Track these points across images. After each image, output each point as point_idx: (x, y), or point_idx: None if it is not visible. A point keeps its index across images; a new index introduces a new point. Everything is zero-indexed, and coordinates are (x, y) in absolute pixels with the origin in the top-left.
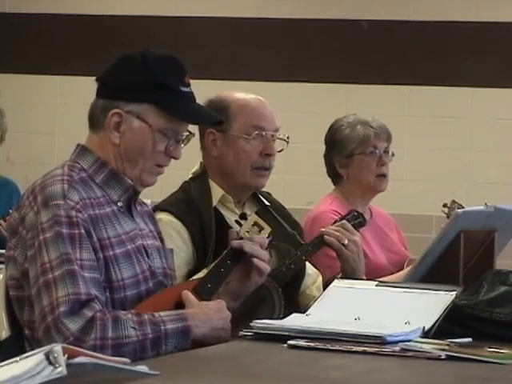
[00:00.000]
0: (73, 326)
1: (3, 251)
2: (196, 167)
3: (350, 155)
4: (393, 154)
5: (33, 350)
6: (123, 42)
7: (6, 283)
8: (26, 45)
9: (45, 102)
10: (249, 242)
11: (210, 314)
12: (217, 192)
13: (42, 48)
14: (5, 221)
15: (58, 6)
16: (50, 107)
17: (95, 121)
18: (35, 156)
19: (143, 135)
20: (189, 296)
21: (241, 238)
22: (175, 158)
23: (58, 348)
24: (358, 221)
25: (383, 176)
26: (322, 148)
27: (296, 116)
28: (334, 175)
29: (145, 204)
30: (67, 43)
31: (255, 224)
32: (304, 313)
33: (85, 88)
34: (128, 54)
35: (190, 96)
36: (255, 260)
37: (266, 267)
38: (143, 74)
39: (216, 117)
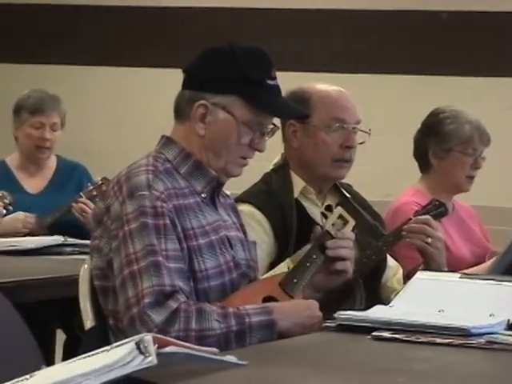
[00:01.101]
0: (157, 317)
1: (86, 241)
2: (277, 158)
3: (448, 150)
4: (484, 159)
5: (117, 339)
6: (206, 34)
7: (91, 273)
8: (102, 37)
9: (120, 94)
10: (333, 244)
11: (297, 309)
12: (298, 183)
13: (116, 39)
14: (77, 203)
15: None
16: (124, 98)
17: (180, 112)
18: (110, 147)
19: (228, 127)
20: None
21: (327, 232)
22: (260, 151)
23: (148, 338)
24: (439, 210)
25: (471, 178)
26: (401, 140)
27: (375, 108)
28: (424, 162)
29: (228, 196)
30: (142, 34)
31: (340, 217)
32: (386, 305)
33: (157, 79)
34: (215, 46)
35: (276, 89)
36: (338, 264)
37: (349, 270)
38: (230, 66)
39: (301, 110)
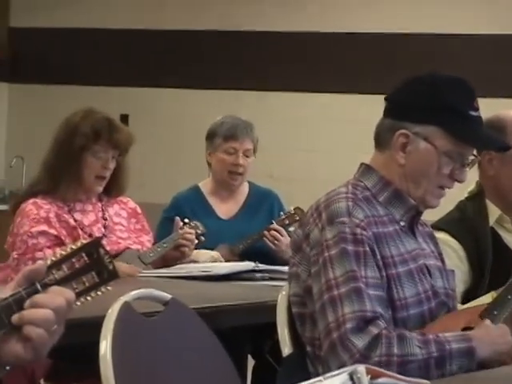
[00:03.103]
0: (359, 342)
1: (276, 267)
2: (472, 186)
3: None
4: None
5: (314, 367)
6: (401, 60)
7: (289, 300)
8: (285, 63)
9: (306, 119)
10: None
11: (494, 337)
12: (493, 212)
13: (296, 65)
14: (268, 231)
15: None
16: (312, 124)
17: (381, 140)
18: (298, 173)
19: (429, 157)
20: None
21: None
22: (460, 182)
23: (361, 368)
24: None
25: None
26: None
27: None
28: None
29: (425, 225)
30: (329, 60)
31: None
32: None
33: (345, 105)
34: (417, 76)
35: (479, 120)
36: None
37: None
38: (432, 96)
39: (504, 142)
